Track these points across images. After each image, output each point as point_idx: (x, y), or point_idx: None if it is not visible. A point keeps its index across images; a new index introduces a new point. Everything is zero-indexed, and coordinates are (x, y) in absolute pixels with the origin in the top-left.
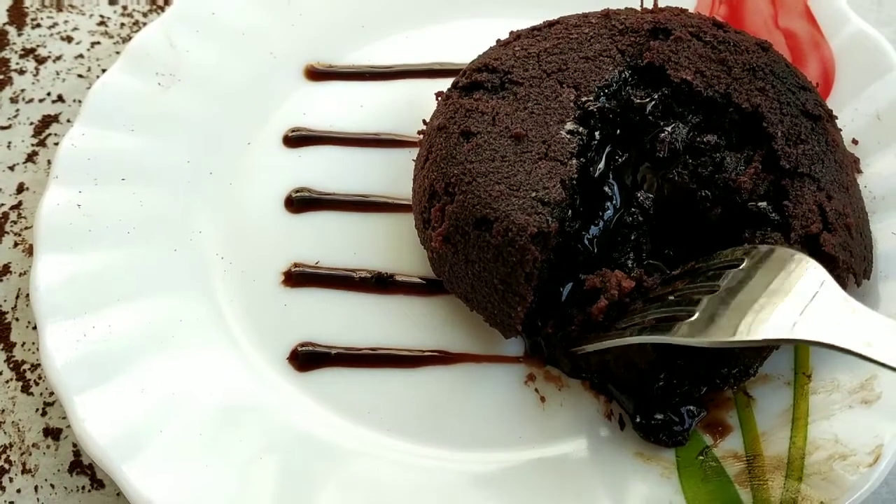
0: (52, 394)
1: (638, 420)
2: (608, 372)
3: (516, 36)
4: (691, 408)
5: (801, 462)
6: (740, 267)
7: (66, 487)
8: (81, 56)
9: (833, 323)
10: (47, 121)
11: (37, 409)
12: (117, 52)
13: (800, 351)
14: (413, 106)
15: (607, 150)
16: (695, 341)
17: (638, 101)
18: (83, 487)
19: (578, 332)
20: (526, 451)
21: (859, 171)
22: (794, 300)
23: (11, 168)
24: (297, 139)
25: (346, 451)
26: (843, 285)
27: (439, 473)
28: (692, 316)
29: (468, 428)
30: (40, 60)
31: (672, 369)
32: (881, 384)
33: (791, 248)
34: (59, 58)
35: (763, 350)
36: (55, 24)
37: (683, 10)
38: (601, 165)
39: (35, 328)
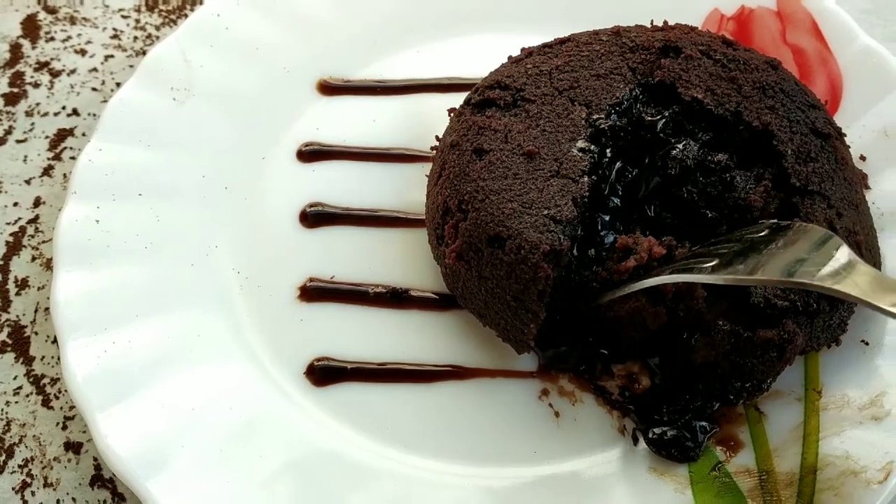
0: (72, 408)
1: (651, 436)
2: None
3: (528, 53)
4: (703, 423)
5: (812, 478)
6: (763, 234)
7: (87, 501)
8: (95, 69)
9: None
10: (62, 134)
11: (57, 423)
12: (131, 66)
13: (810, 367)
14: (425, 121)
15: (617, 167)
16: (711, 278)
17: (649, 118)
18: (104, 501)
19: (598, 290)
20: (540, 466)
21: (867, 188)
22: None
23: (28, 182)
24: (311, 154)
25: (363, 467)
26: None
27: (454, 489)
28: (712, 262)
29: (483, 443)
30: (54, 74)
31: (684, 384)
32: (890, 401)
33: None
34: (73, 71)
35: (777, 365)
36: (69, 38)
37: (693, 28)
38: (613, 183)
39: (54, 342)
